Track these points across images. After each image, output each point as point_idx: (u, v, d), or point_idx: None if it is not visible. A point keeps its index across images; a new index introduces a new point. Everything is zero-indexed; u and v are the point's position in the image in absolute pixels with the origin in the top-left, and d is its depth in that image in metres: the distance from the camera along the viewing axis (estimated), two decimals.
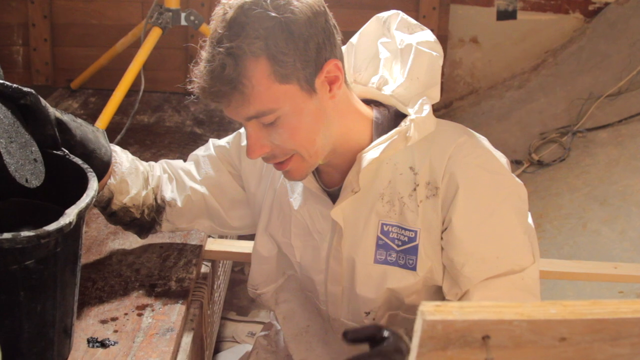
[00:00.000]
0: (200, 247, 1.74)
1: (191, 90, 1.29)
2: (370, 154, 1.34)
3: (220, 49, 1.22)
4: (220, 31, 1.24)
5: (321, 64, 1.28)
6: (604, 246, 2.57)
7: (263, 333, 1.82)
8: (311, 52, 1.26)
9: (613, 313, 0.69)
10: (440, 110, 3.61)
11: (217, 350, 2.58)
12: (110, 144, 1.51)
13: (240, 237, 2.24)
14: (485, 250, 1.34)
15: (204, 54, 1.26)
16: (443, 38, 3.36)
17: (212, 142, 1.65)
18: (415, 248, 1.38)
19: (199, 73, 1.26)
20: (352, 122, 1.37)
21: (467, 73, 3.63)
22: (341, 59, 1.33)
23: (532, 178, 3.07)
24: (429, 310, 0.67)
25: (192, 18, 2.76)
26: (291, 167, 1.35)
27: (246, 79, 1.23)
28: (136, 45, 2.70)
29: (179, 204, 1.60)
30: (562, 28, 3.56)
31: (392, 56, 1.43)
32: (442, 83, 1.43)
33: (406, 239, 1.38)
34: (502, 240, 1.35)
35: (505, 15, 3.51)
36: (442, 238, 1.37)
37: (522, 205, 1.39)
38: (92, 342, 1.35)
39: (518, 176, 1.44)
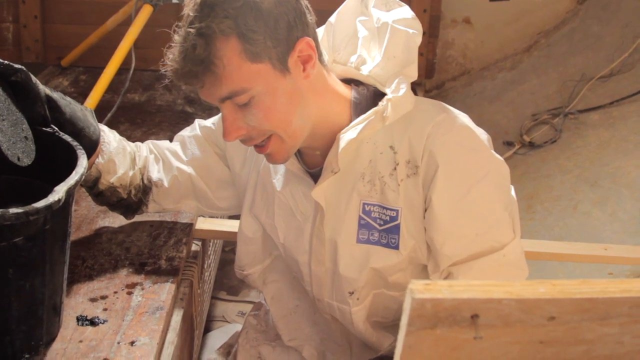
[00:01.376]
0: (191, 225, 1.73)
1: (164, 72, 1.29)
2: (348, 134, 1.34)
3: (191, 30, 1.23)
4: (191, 13, 1.24)
5: (293, 43, 1.28)
6: (594, 228, 2.58)
7: (253, 312, 1.82)
8: (282, 31, 1.26)
9: (601, 292, 0.70)
10: (433, 91, 3.60)
11: (207, 329, 2.58)
12: (99, 124, 1.50)
13: (231, 217, 2.23)
14: (464, 227, 1.35)
15: (176, 37, 1.27)
16: (435, 18, 3.34)
17: (198, 122, 1.65)
18: (397, 227, 1.38)
19: (171, 55, 1.27)
20: (329, 103, 1.37)
21: (460, 54, 3.61)
22: (315, 39, 1.33)
23: (523, 159, 3.07)
24: (418, 289, 0.67)
25: None
26: (271, 149, 1.35)
27: (217, 58, 1.23)
28: (127, 23, 2.67)
29: (166, 184, 1.60)
30: (554, 9, 3.54)
31: (371, 35, 1.42)
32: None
33: (388, 218, 1.38)
34: (481, 217, 1.35)
35: None
36: (424, 217, 1.37)
37: (502, 181, 1.38)
38: (82, 320, 1.35)
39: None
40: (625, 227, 2.51)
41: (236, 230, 1.80)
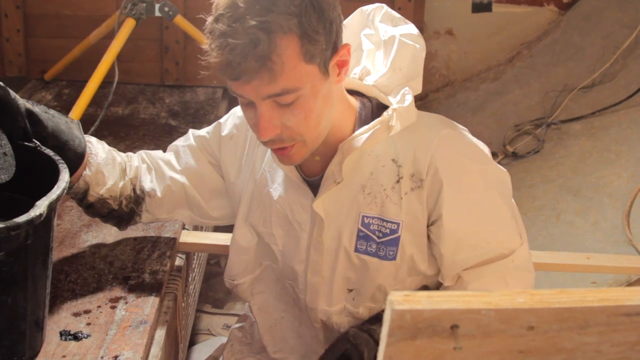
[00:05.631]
0: (175, 239, 1.73)
1: (207, 64, 1.22)
2: (353, 143, 1.35)
3: (252, 23, 1.16)
4: (242, 5, 1.18)
5: (337, 48, 1.28)
6: (577, 237, 2.60)
7: (238, 325, 1.82)
8: (333, 34, 1.26)
9: (580, 302, 0.70)
10: (416, 102, 3.60)
11: (192, 342, 2.57)
12: (86, 135, 1.50)
13: (216, 229, 2.23)
14: (476, 237, 1.38)
15: (221, 28, 1.19)
16: (418, 30, 3.36)
17: (192, 132, 1.64)
18: (397, 240, 1.40)
19: (221, 48, 1.19)
20: (342, 110, 1.38)
21: (443, 65, 3.64)
22: None
23: (506, 170, 3.08)
24: (398, 300, 0.67)
25: (166, 9, 2.74)
26: (293, 151, 1.33)
27: (277, 55, 1.19)
28: (110, 36, 2.68)
29: (159, 194, 1.59)
30: (536, 20, 3.57)
31: (375, 48, 1.44)
32: None
33: (388, 230, 1.39)
34: (491, 226, 1.39)
35: (481, 7, 3.52)
36: (430, 231, 1.40)
37: (506, 190, 1.42)
38: (65, 335, 1.34)
39: None
40: (607, 236, 2.52)
41: (220, 242, 1.80)
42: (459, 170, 1.37)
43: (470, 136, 1.43)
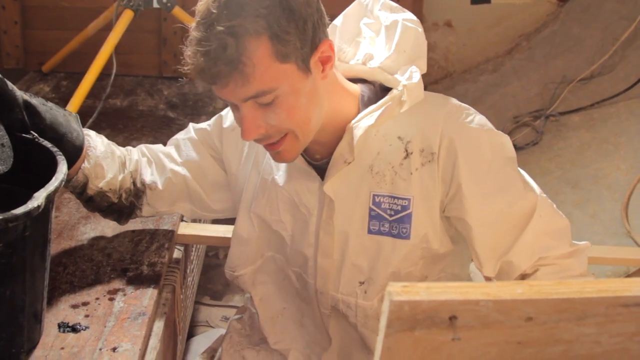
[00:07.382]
0: (173, 231, 1.73)
1: (184, 71, 1.25)
2: (364, 122, 1.35)
3: (220, 28, 1.19)
4: (214, 11, 1.20)
5: (316, 44, 1.28)
6: (575, 229, 2.57)
7: (237, 317, 1.82)
8: (309, 32, 1.26)
9: (578, 292, 0.70)
10: None
11: (191, 334, 2.58)
12: (84, 129, 1.49)
13: (214, 222, 2.23)
14: (495, 205, 1.39)
15: (196, 35, 1.22)
16: None
17: (192, 125, 1.65)
18: (409, 216, 1.40)
19: (194, 54, 1.23)
20: (339, 100, 1.38)
21: (442, 57, 3.63)
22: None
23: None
24: (396, 291, 0.67)
25: (164, 1, 2.73)
26: (284, 147, 1.35)
27: (247, 58, 1.21)
28: (108, 28, 2.67)
29: (160, 186, 1.59)
30: (536, 12, 3.57)
31: (377, 35, 1.44)
32: None
33: (399, 207, 1.40)
34: (508, 191, 1.40)
35: None
36: (451, 208, 1.40)
37: (510, 153, 1.43)
38: (63, 326, 1.34)
39: None
40: (605, 228, 2.53)
41: (218, 234, 1.80)
42: (471, 137, 1.38)
43: (470, 107, 1.45)
